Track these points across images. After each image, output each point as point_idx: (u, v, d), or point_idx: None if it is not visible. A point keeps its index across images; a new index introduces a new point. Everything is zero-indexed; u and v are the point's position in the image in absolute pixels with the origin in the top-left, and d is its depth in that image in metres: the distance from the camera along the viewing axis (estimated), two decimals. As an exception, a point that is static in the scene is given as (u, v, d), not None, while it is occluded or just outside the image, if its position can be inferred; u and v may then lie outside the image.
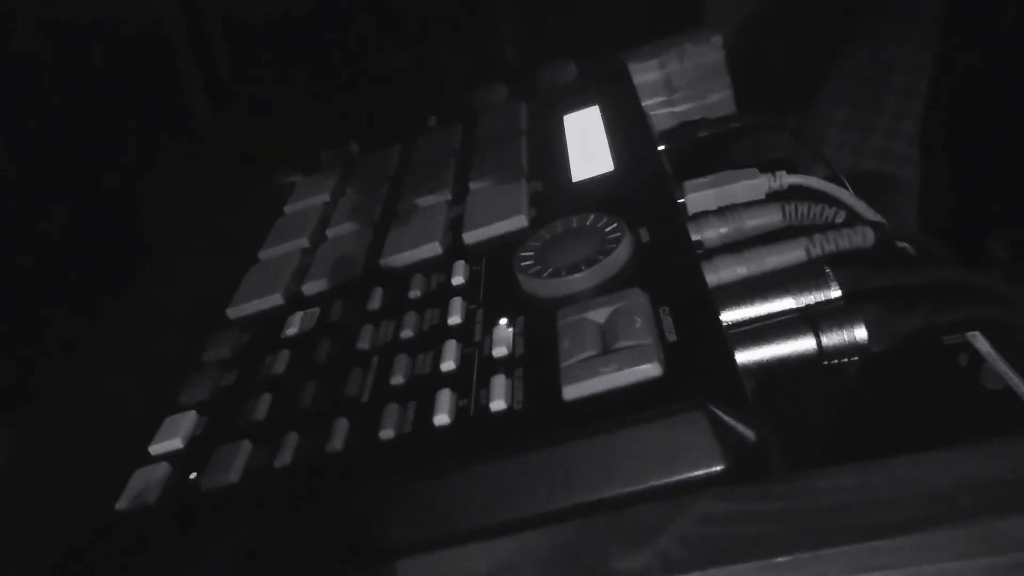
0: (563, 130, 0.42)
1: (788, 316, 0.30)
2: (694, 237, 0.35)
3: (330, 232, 0.41)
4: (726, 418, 0.23)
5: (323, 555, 0.25)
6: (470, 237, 0.35)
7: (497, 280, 0.32)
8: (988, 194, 0.54)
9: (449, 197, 0.40)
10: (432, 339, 0.30)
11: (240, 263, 0.41)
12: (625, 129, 0.40)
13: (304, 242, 0.41)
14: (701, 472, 0.23)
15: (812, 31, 0.64)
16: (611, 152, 0.38)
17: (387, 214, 0.41)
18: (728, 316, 0.31)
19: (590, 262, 0.29)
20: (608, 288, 0.28)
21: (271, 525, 0.26)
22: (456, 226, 0.37)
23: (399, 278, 0.35)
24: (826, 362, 0.29)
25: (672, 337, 0.25)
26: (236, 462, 0.28)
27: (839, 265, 0.31)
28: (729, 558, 0.20)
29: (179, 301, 0.45)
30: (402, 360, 0.29)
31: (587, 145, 0.39)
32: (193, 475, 0.28)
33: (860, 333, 0.29)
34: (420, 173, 0.43)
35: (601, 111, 0.42)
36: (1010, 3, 0.52)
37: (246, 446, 0.28)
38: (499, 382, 0.26)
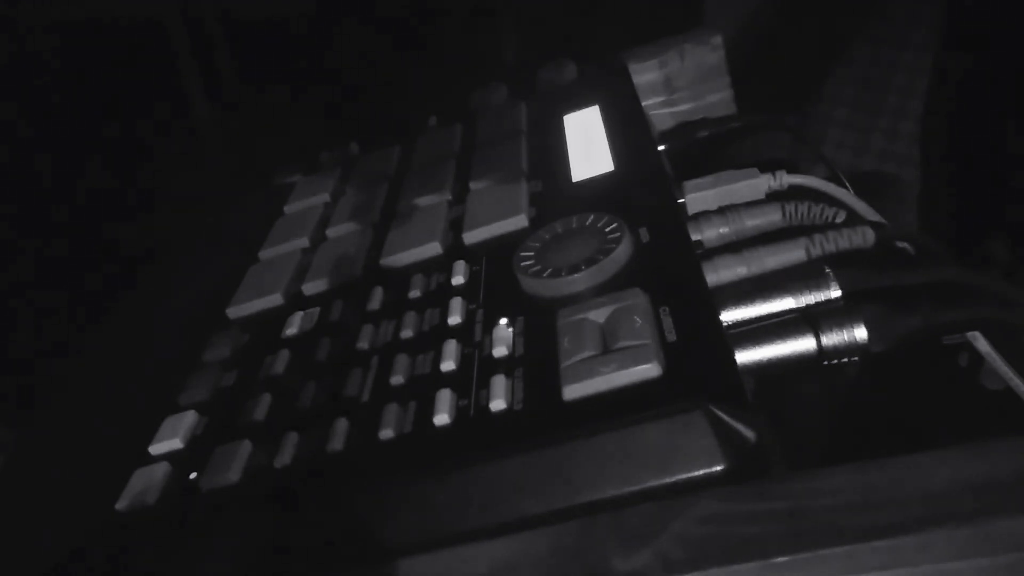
0: (563, 130, 0.42)
1: (788, 316, 0.30)
2: (694, 237, 0.35)
3: (330, 232, 0.41)
4: (726, 418, 0.23)
5: (323, 555, 0.25)
6: (470, 237, 0.35)
7: (497, 280, 0.32)
8: (988, 194, 0.54)
9: (449, 197, 0.40)
10: (432, 339, 0.30)
11: (240, 263, 0.41)
12: (625, 129, 0.40)
13: (304, 242, 0.41)
14: (701, 472, 0.23)
15: (812, 32, 0.64)
16: (611, 152, 0.38)
17: (387, 214, 0.41)
18: (728, 316, 0.31)
19: (590, 262, 0.29)
20: (608, 288, 0.28)
21: (271, 525, 0.26)
22: (456, 226, 0.37)
23: (399, 278, 0.35)
24: (826, 362, 0.29)
25: (672, 337, 0.25)
26: (236, 462, 0.28)
27: (839, 265, 0.31)
28: (729, 558, 0.20)
29: (179, 301, 0.45)
30: (402, 360, 0.29)
31: (587, 145, 0.39)
32: (193, 475, 0.28)
33: (860, 333, 0.29)
34: (420, 173, 0.43)
35: (601, 111, 0.42)
36: (1009, 4, 0.52)
37: (246, 446, 0.28)
38: (499, 382, 0.26)
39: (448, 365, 0.28)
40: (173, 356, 0.37)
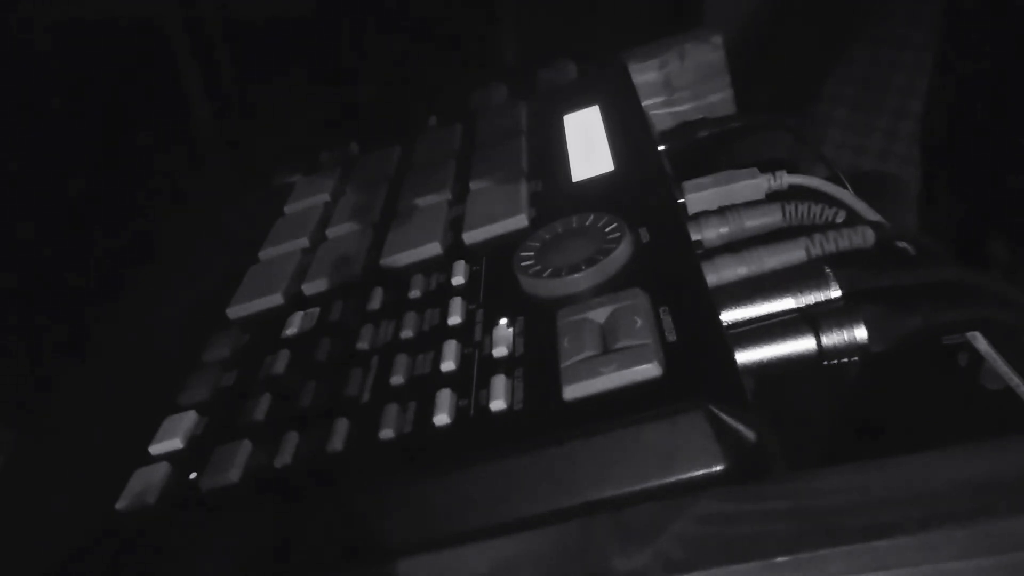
0: (563, 130, 0.42)
1: (788, 316, 0.30)
2: (694, 237, 0.35)
3: (330, 232, 0.41)
4: (726, 418, 0.23)
5: (323, 555, 0.25)
6: (470, 237, 0.35)
7: (497, 280, 0.32)
8: (988, 194, 0.54)
9: (449, 197, 0.40)
10: (432, 339, 0.30)
11: (240, 263, 0.41)
12: (625, 129, 0.40)
13: (304, 242, 0.41)
14: (701, 472, 0.23)
15: (812, 31, 0.65)
16: (611, 152, 0.38)
17: (387, 214, 0.41)
18: (728, 316, 0.31)
19: (590, 262, 0.29)
20: (608, 288, 0.28)
21: (271, 525, 0.26)
22: (456, 226, 0.37)
23: (399, 278, 0.35)
24: (826, 362, 0.29)
25: (672, 337, 0.25)
26: (236, 462, 0.28)
27: (839, 265, 0.31)
28: (729, 558, 0.20)
29: (179, 301, 0.45)
30: (402, 360, 0.29)
31: (587, 145, 0.39)
32: (193, 475, 0.28)
33: (860, 333, 0.29)
34: (420, 173, 0.43)
35: (601, 111, 0.42)
36: (1010, 4, 0.52)
37: (246, 446, 0.28)
38: (499, 382, 0.26)
39: (448, 365, 0.28)
40: (173, 356, 0.37)
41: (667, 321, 0.26)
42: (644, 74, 0.51)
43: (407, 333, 0.31)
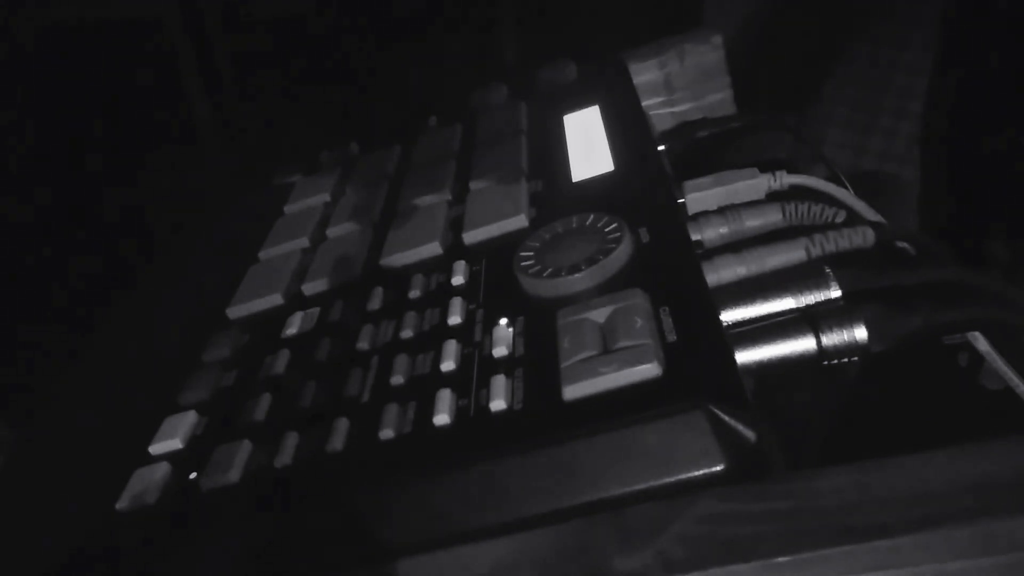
0: (563, 130, 0.42)
1: (788, 316, 0.30)
2: (694, 237, 0.35)
3: (330, 232, 0.41)
4: (726, 418, 0.23)
5: (323, 555, 0.25)
6: (470, 237, 0.35)
7: (497, 280, 0.32)
8: (988, 194, 0.54)
9: (449, 197, 0.40)
10: (432, 339, 0.30)
11: (240, 263, 0.41)
12: (625, 129, 0.40)
13: (304, 242, 0.41)
14: (701, 472, 0.23)
15: (812, 31, 0.65)
16: (611, 152, 0.38)
17: (387, 214, 0.41)
18: (728, 316, 0.31)
19: (590, 262, 0.29)
20: (608, 288, 0.28)
21: (271, 525, 0.26)
22: (456, 226, 0.37)
23: (399, 278, 0.35)
24: (826, 362, 0.29)
25: (672, 337, 0.25)
26: (236, 462, 0.28)
27: (839, 265, 0.31)
28: (729, 558, 0.20)
29: (179, 301, 0.45)
30: (402, 360, 0.29)
31: (587, 145, 0.39)
32: (193, 475, 0.28)
33: (860, 333, 0.29)
34: (420, 173, 0.43)
35: (601, 111, 0.42)
36: (1008, 4, 0.52)
37: (246, 446, 0.28)
38: (499, 382, 0.26)
39: (448, 365, 0.28)
40: (173, 356, 0.37)
41: (667, 321, 0.26)
42: (644, 74, 0.51)
43: (407, 333, 0.31)
